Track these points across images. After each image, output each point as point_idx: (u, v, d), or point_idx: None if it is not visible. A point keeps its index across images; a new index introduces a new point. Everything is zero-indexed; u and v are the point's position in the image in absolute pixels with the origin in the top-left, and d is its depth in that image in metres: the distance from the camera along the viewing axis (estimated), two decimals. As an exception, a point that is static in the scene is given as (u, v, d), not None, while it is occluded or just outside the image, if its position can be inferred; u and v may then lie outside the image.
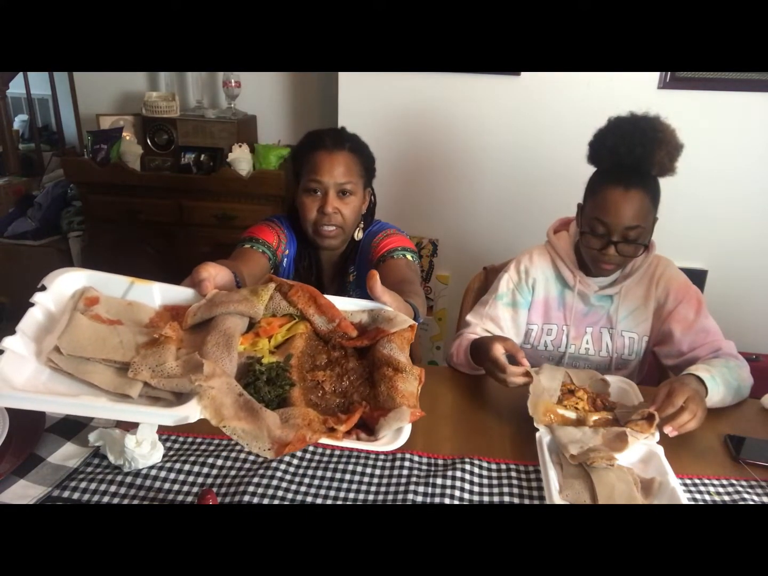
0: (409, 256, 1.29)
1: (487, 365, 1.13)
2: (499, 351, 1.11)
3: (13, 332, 0.69)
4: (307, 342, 0.79)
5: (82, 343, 0.68)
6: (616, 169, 1.21)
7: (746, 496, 0.93)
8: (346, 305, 0.83)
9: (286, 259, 1.32)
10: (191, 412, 0.64)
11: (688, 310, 1.28)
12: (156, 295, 0.79)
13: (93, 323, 0.71)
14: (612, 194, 1.18)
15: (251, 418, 0.65)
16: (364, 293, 1.00)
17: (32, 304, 0.72)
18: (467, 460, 0.97)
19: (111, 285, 0.78)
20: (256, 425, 0.64)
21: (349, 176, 1.25)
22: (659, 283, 1.32)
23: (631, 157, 1.17)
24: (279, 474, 0.91)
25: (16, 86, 3.29)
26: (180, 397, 0.67)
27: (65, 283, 0.74)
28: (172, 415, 0.64)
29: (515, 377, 1.08)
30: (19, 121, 3.91)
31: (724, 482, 0.96)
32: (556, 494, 0.88)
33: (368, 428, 0.71)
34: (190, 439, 1.00)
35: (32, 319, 0.70)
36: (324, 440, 0.67)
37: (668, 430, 0.99)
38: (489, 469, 0.97)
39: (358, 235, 1.33)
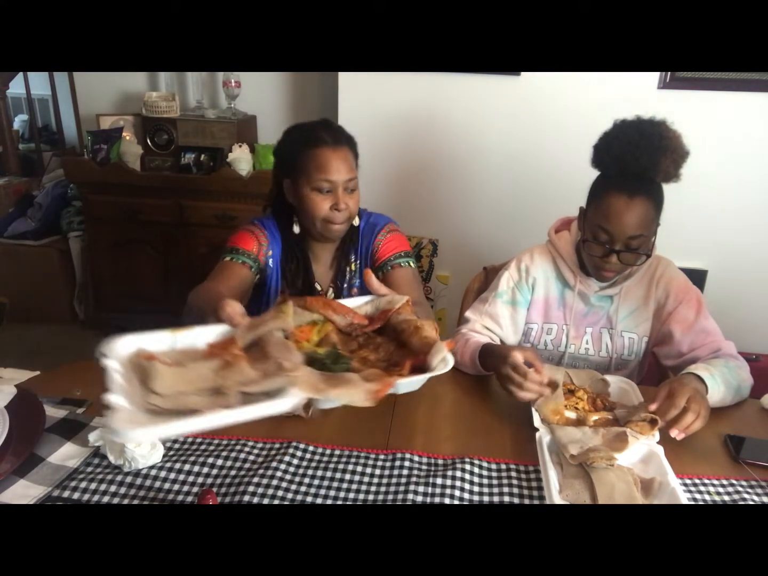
0: (411, 264, 1.37)
1: (504, 370, 1.09)
2: (518, 358, 1.07)
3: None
4: (338, 335, 0.91)
5: (173, 383, 0.74)
6: (620, 175, 1.19)
7: (746, 496, 0.93)
8: (351, 303, 0.96)
9: (271, 260, 1.33)
10: (298, 394, 0.73)
11: (688, 310, 1.28)
12: (198, 337, 0.84)
13: (168, 367, 0.76)
14: (616, 202, 1.17)
15: (341, 383, 0.76)
16: (362, 282, 1.25)
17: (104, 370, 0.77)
18: (467, 460, 0.97)
19: (157, 340, 0.83)
20: (348, 386, 0.76)
21: (353, 171, 1.28)
22: (659, 284, 1.32)
23: (637, 165, 1.16)
24: (279, 474, 0.91)
25: (16, 86, 3.29)
26: (274, 396, 0.75)
27: (121, 348, 0.79)
28: (287, 402, 0.72)
29: (533, 384, 1.05)
30: (19, 121, 3.91)
31: (724, 482, 0.96)
32: (556, 494, 0.88)
33: (420, 372, 0.84)
34: (190, 439, 1.00)
35: (112, 379, 0.74)
36: (401, 381, 0.81)
37: (675, 433, 0.98)
38: (489, 469, 0.97)
39: (356, 221, 1.35)
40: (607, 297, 1.34)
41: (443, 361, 0.85)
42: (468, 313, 1.39)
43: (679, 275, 1.33)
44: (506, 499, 0.90)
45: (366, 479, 0.93)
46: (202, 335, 0.84)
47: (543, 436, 1.00)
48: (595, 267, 1.26)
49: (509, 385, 1.08)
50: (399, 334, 0.91)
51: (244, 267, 1.28)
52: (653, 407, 1.01)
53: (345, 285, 1.38)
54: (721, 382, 1.12)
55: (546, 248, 1.39)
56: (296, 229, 1.32)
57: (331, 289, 1.38)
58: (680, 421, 0.98)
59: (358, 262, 1.39)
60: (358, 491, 0.90)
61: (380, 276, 1.33)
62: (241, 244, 1.30)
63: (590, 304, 1.34)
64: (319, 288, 1.36)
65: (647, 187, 1.18)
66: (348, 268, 1.39)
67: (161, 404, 0.72)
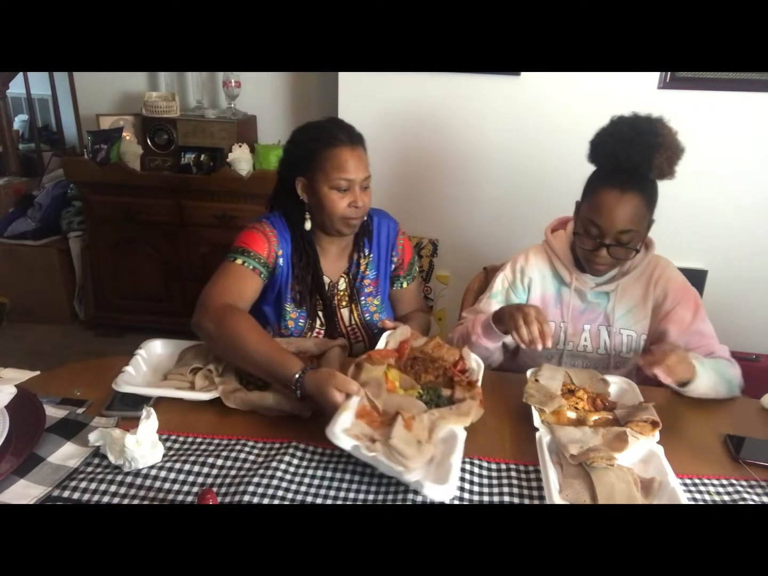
0: (416, 267, 1.54)
1: (525, 307, 1.15)
2: (543, 310, 1.16)
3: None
4: (402, 374, 1.13)
5: (407, 445, 0.89)
6: (613, 170, 1.20)
7: (746, 496, 0.93)
8: (381, 344, 1.20)
9: (281, 259, 1.33)
10: (461, 429, 0.98)
11: (686, 312, 1.28)
12: (348, 412, 0.95)
13: (391, 439, 0.90)
14: (607, 197, 1.18)
15: (467, 408, 1.01)
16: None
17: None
18: (467, 460, 0.97)
19: (344, 422, 0.92)
20: (471, 408, 1.01)
21: (368, 170, 1.31)
22: (658, 283, 1.32)
23: (630, 161, 1.17)
24: (279, 474, 0.91)
25: (16, 86, 3.29)
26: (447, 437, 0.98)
27: (345, 438, 0.90)
28: (462, 437, 0.96)
29: (536, 329, 1.11)
30: (19, 121, 3.90)
31: (724, 482, 0.96)
32: (556, 494, 0.88)
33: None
34: (190, 439, 1.00)
35: (389, 464, 0.86)
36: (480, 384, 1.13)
37: (659, 372, 1.05)
38: (489, 469, 0.97)
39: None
40: (604, 294, 1.34)
41: (476, 361, 1.18)
42: (465, 313, 1.42)
43: (678, 276, 1.33)
44: (506, 499, 0.90)
45: (366, 479, 0.93)
46: (350, 410, 0.96)
47: (543, 436, 1.00)
48: (585, 260, 1.28)
49: (518, 316, 1.13)
50: (428, 353, 1.19)
51: (255, 274, 1.27)
52: (642, 361, 1.07)
53: (359, 276, 1.41)
54: (710, 369, 1.14)
55: (541, 247, 1.40)
56: (308, 225, 1.33)
57: (342, 279, 1.39)
58: (665, 359, 1.05)
59: (373, 255, 1.43)
60: (358, 491, 0.90)
61: (402, 286, 1.50)
62: (253, 246, 1.29)
63: (587, 300, 1.35)
64: (328, 281, 1.38)
65: (640, 183, 1.19)
66: (360, 261, 1.41)
67: (417, 465, 0.87)
